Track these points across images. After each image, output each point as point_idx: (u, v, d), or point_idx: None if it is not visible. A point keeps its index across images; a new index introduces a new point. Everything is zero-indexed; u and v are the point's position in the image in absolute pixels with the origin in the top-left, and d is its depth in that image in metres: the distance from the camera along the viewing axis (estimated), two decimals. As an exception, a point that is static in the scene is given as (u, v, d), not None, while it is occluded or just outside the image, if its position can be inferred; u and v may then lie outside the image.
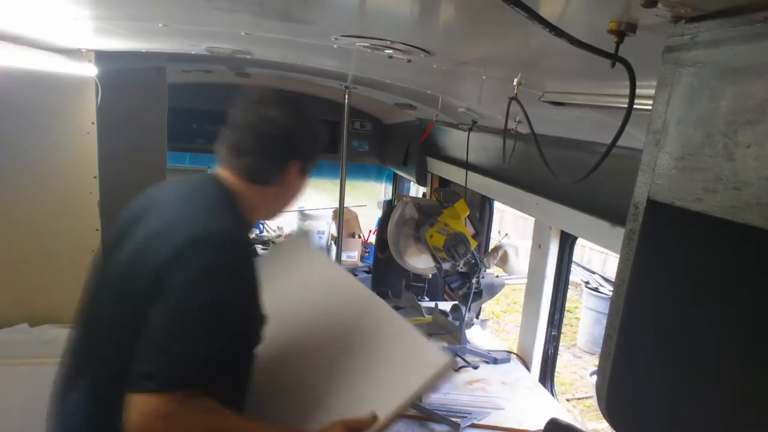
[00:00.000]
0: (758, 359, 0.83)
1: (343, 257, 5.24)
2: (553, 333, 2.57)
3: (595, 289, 6.29)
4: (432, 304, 3.19)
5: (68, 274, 2.37)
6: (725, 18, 0.66)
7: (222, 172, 1.34)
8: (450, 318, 2.86)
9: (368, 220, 6.46)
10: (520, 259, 6.03)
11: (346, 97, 3.26)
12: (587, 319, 6.28)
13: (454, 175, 3.37)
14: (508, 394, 2.31)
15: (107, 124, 2.41)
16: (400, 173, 4.95)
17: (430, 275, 3.09)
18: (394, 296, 3.42)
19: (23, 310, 2.32)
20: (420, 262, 2.94)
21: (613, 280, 0.86)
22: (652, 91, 0.78)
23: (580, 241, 2.53)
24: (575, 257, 3.43)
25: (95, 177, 2.34)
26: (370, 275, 4.30)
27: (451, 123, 3.13)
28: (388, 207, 4.17)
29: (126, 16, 1.58)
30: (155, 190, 1.40)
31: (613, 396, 0.81)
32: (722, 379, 0.83)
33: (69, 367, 1.30)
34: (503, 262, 6.19)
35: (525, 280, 2.77)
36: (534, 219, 2.60)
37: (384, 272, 3.52)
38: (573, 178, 1.19)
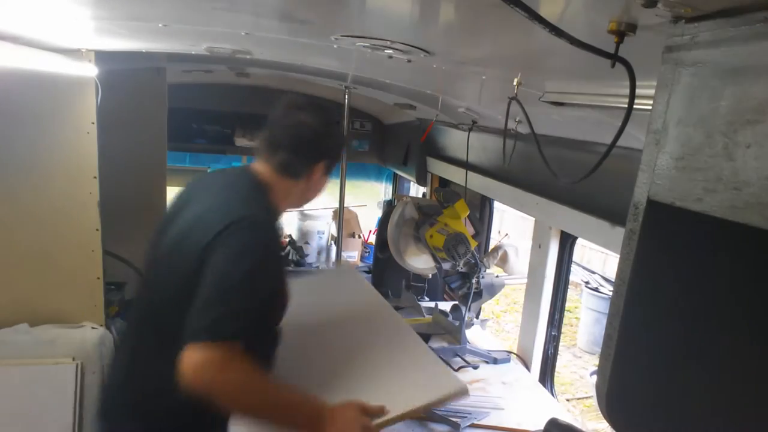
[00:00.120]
0: (758, 359, 0.83)
1: (343, 257, 5.24)
2: (553, 333, 2.57)
3: (595, 289, 6.29)
4: (432, 304, 3.20)
5: (68, 274, 2.37)
6: (725, 18, 0.66)
7: (258, 165, 1.56)
8: (450, 318, 2.86)
9: (368, 220, 6.45)
10: (520, 259, 6.02)
11: (346, 97, 3.26)
12: (587, 319, 6.28)
13: (454, 175, 3.37)
14: (507, 394, 2.31)
15: (107, 124, 2.41)
16: (400, 173, 4.95)
17: (430, 275, 3.10)
18: (394, 296, 3.41)
19: (23, 310, 2.32)
20: (420, 262, 2.94)
21: (613, 280, 0.86)
22: (652, 91, 0.78)
23: (580, 241, 2.53)
24: (575, 257, 3.43)
25: (95, 177, 2.33)
26: (370, 275, 4.30)
27: (451, 123, 3.13)
28: (388, 207, 4.16)
29: (126, 16, 1.58)
30: (198, 180, 1.64)
31: (613, 396, 0.81)
32: (722, 378, 0.83)
33: (134, 330, 1.55)
34: (503, 262, 6.18)
35: (525, 280, 2.77)
36: (534, 219, 2.60)
37: (384, 272, 3.52)
38: (573, 178, 1.19)
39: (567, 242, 2.45)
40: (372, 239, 5.94)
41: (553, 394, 2.50)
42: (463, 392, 1.57)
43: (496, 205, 3.48)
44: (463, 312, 2.66)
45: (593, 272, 7.26)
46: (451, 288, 2.78)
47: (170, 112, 3.43)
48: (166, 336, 1.34)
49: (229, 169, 1.68)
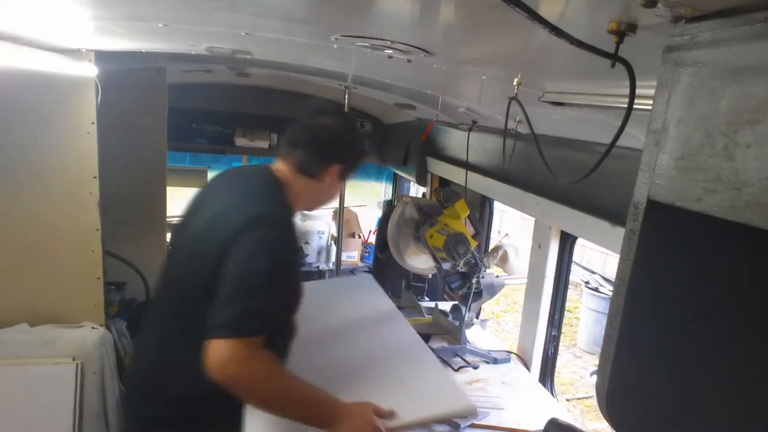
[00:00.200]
0: (759, 359, 0.83)
1: (343, 257, 5.23)
2: (553, 333, 2.57)
3: (595, 289, 6.29)
4: (432, 304, 3.19)
5: (68, 274, 2.37)
6: (725, 18, 0.66)
7: (277, 163, 1.62)
8: (450, 318, 2.86)
9: (368, 220, 6.45)
10: (520, 259, 6.01)
11: (346, 97, 3.26)
12: (587, 319, 6.28)
13: (454, 175, 3.37)
14: (508, 394, 2.31)
15: (107, 124, 2.41)
16: (400, 173, 4.95)
17: (430, 275, 3.09)
18: (394, 296, 3.40)
19: (23, 310, 2.32)
20: (420, 262, 2.94)
21: (613, 280, 0.86)
22: (652, 91, 0.78)
23: (580, 241, 2.53)
24: (575, 257, 3.43)
25: (95, 177, 2.33)
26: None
27: (451, 123, 3.13)
28: (388, 207, 4.16)
29: (126, 16, 1.58)
30: (217, 178, 1.71)
31: (613, 396, 0.81)
32: (723, 378, 0.83)
33: (159, 321, 1.59)
34: (503, 262, 6.16)
35: (525, 280, 2.77)
36: (534, 219, 2.59)
37: (384, 272, 3.52)
38: (573, 178, 1.19)
39: (567, 242, 2.45)
40: (372, 239, 5.95)
41: (553, 394, 2.50)
42: (471, 411, 1.68)
43: (496, 205, 3.48)
44: (463, 312, 2.65)
45: (593, 272, 7.26)
46: (451, 288, 2.77)
47: (170, 112, 3.43)
48: (193, 327, 1.39)
49: (248, 167, 1.77)
